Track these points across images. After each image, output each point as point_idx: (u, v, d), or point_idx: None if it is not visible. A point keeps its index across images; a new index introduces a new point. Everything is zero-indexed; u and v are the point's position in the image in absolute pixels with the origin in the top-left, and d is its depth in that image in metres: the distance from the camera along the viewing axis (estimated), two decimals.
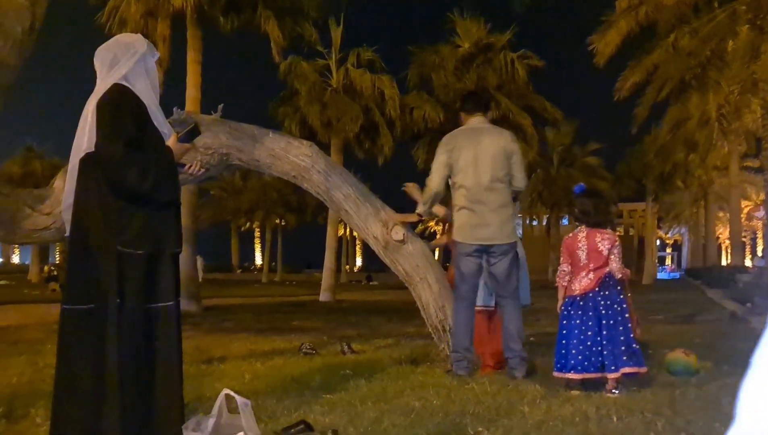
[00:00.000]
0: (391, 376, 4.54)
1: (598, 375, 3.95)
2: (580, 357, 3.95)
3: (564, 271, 4.20)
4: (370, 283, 37.56)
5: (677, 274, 56.28)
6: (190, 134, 2.91)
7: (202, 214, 33.80)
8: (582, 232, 4.14)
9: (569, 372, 3.97)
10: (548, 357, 4.76)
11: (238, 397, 2.78)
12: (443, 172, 4.70)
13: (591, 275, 4.05)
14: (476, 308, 4.80)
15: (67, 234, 2.71)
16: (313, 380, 4.41)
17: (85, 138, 2.69)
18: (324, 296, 19.31)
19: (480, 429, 3.05)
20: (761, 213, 40.15)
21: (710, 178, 32.69)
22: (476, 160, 4.59)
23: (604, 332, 3.96)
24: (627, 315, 4.01)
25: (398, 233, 5.22)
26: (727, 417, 3.24)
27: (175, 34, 14.57)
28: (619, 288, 4.07)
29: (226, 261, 58.82)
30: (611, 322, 3.97)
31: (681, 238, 63.54)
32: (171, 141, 2.80)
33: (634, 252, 47.28)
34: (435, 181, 4.73)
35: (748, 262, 36.74)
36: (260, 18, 14.78)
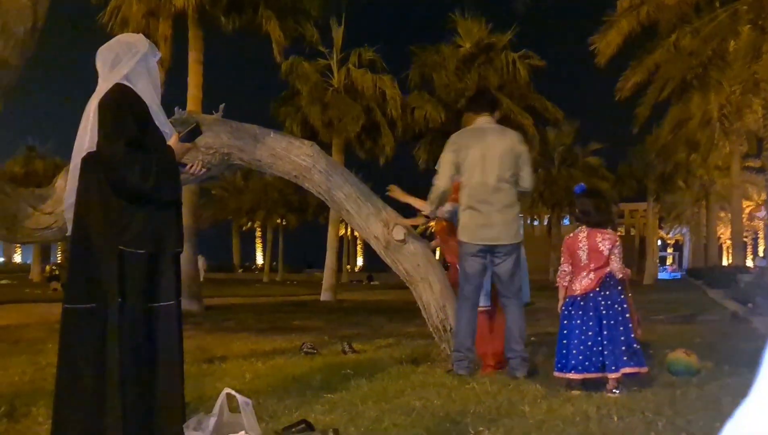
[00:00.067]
0: (392, 375, 4.55)
1: (599, 375, 3.95)
2: (580, 357, 3.95)
3: (564, 271, 4.20)
4: (371, 282, 37.56)
5: (678, 274, 56.22)
6: (192, 134, 2.91)
7: (204, 213, 33.87)
8: (583, 232, 4.14)
9: (570, 372, 3.97)
10: (549, 357, 4.77)
11: (239, 396, 2.78)
12: (450, 171, 4.67)
13: (592, 275, 4.05)
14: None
15: (69, 233, 2.72)
16: (314, 380, 4.41)
17: (86, 138, 2.70)
18: (325, 296, 19.32)
19: (481, 428, 3.05)
20: (762, 213, 40.09)
21: (712, 178, 32.68)
22: (483, 160, 4.58)
23: (605, 332, 3.96)
24: (627, 315, 4.01)
25: (399, 233, 5.22)
26: (727, 417, 3.24)
27: (176, 34, 14.59)
28: (619, 288, 4.07)
29: (228, 260, 58.89)
30: (612, 322, 3.97)
31: (682, 238, 63.53)
32: (172, 141, 2.81)
33: (635, 252, 47.30)
34: (442, 180, 4.70)
35: (749, 263, 36.75)
36: (262, 18, 14.79)
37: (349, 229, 52.46)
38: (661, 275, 51.88)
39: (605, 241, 4.07)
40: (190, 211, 13.68)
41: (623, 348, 3.91)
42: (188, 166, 2.92)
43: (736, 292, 15.06)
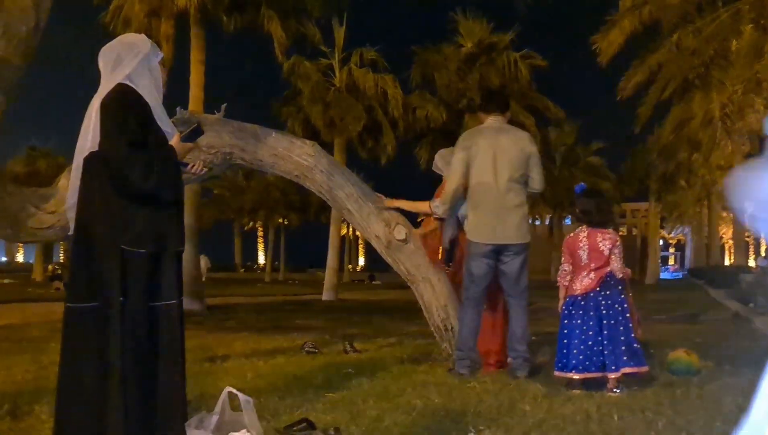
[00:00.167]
0: (393, 374, 4.56)
1: (599, 374, 3.95)
2: (581, 357, 3.95)
3: (565, 270, 4.21)
4: (373, 282, 37.56)
5: (680, 274, 56.21)
6: (193, 134, 2.93)
7: (206, 213, 33.91)
8: (583, 232, 4.15)
9: (570, 372, 3.98)
10: (550, 356, 4.77)
11: (240, 395, 2.79)
12: (463, 169, 4.66)
13: (592, 275, 4.06)
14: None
15: (71, 232, 2.73)
16: (316, 379, 4.42)
17: (89, 137, 2.71)
18: (327, 295, 19.34)
19: (481, 427, 3.06)
20: None
21: (714, 178, 32.56)
22: (494, 159, 4.58)
23: (605, 332, 3.96)
24: (628, 315, 4.02)
25: (400, 232, 5.23)
26: (728, 417, 3.25)
27: (178, 33, 14.60)
28: (620, 288, 4.08)
29: (230, 260, 58.92)
30: (612, 321, 3.98)
31: (684, 237, 63.42)
32: (174, 140, 2.82)
33: (637, 252, 47.25)
34: (455, 179, 4.69)
35: (751, 262, 36.66)
36: (263, 18, 14.80)
37: (351, 229, 52.49)
38: (663, 275, 51.83)
39: (606, 240, 4.08)
40: (192, 211, 13.70)
41: (623, 348, 3.92)
42: (190, 166, 2.93)
43: (738, 291, 15.05)
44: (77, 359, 2.58)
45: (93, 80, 2.84)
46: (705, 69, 14.20)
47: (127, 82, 2.73)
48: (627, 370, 3.90)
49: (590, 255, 4.08)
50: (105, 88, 2.73)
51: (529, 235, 4.74)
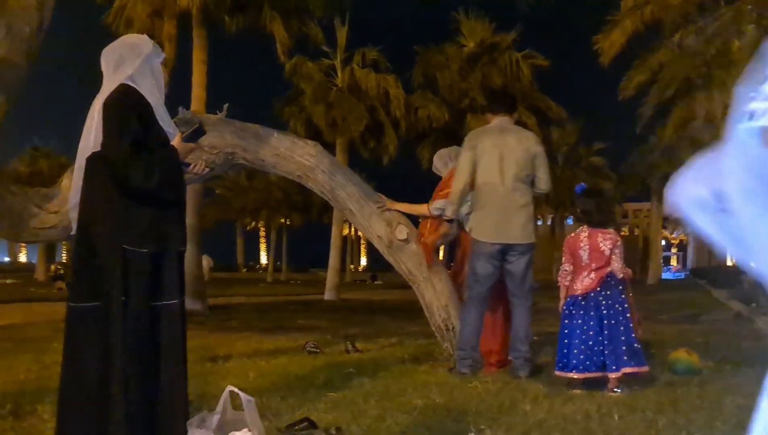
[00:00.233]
0: (394, 374, 4.57)
1: (600, 374, 3.96)
2: (581, 357, 3.96)
3: (566, 270, 4.21)
4: (375, 282, 37.54)
5: (682, 274, 56.13)
6: (195, 134, 2.94)
7: (208, 213, 33.90)
8: (584, 232, 4.15)
9: (571, 371, 3.98)
10: (551, 356, 4.78)
11: (242, 394, 2.80)
12: (470, 168, 4.66)
13: (593, 275, 4.06)
14: None
15: (74, 232, 2.74)
16: (317, 378, 4.43)
17: (91, 137, 2.72)
18: (329, 295, 19.34)
19: (482, 427, 3.07)
20: None
21: None
22: (501, 160, 4.58)
23: (606, 332, 3.97)
24: (628, 315, 4.02)
25: (402, 232, 5.24)
26: (728, 417, 3.26)
27: (181, 33, 14.62)
28: (620, 288, 4.08)
29: (232, 260, 58.95)
30: (612, 321, 3.98)
31: (686, 238, 63.35)
32: (176, 140, 2.83)
33: (639, 252, 47.18)
34: (462, 179, 4.69)
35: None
36: (266, 18, 14.79)
37: (353, 229, 52.47)
38: (665, 275, 51.74)
39: (606, 241, 4.08)
40: (194, 211, 13.70)
41: (624, 348, 3.93)
42: (192, 166, 2.94)
43: (740, 292, 15.02)
44: (79, 359, 2.59)
45: (95, 81, 2.85)
46: (707, 69, 14.17)
47: (129, 83, 2.74)
48: (627, 370, 3.90)
49: (591, 255, 4.08)
50: (107, 88, 2.74)
51: (535, 235, 4.74)
